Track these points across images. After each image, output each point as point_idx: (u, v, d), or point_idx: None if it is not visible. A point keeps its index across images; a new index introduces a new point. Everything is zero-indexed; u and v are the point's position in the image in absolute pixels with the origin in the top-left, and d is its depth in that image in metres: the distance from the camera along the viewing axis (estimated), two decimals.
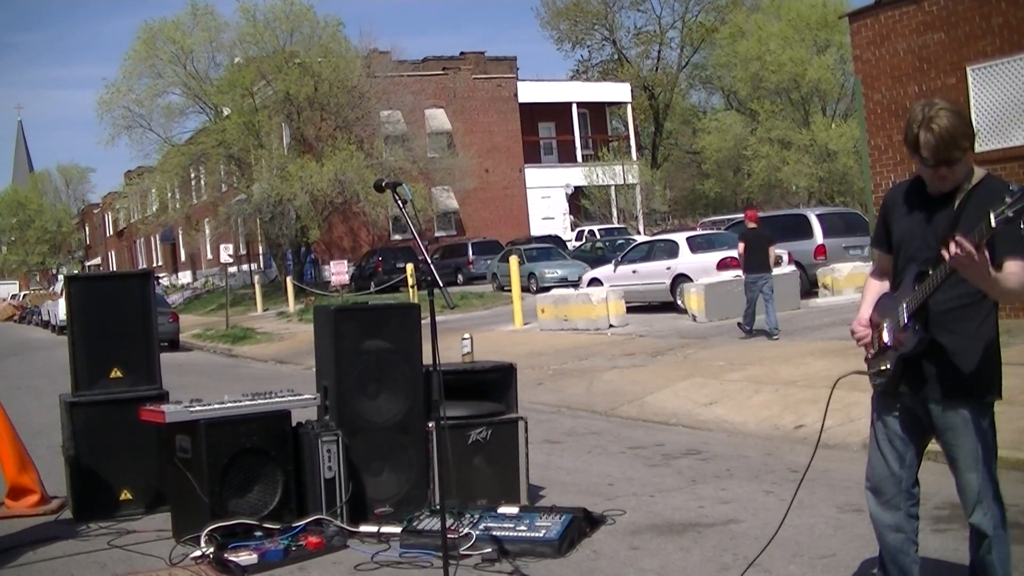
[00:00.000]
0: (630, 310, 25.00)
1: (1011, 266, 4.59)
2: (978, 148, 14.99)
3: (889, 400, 5.09)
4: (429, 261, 6.53)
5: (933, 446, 5.14)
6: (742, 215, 26.35)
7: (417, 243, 6.79)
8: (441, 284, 6.39)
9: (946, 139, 4.65)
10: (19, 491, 9.52)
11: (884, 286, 5.22)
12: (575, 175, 62.82)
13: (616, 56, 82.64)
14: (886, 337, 4.97)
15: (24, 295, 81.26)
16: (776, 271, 21.31)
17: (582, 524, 7.73)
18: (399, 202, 6.72)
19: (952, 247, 4.39)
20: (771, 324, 19.52)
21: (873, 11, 18.28)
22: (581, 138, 66.93)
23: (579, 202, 63.11)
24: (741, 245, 20.50)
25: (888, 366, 5.00)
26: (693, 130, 76.73)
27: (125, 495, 9.13)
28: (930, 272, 4.73)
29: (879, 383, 5.10)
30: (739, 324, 20.23)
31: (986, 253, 4.43)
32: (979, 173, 4.84)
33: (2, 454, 9.62)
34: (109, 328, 9.30)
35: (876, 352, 5.07)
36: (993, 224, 4.27)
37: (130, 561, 7.74)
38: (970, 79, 16.52)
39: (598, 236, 49.68)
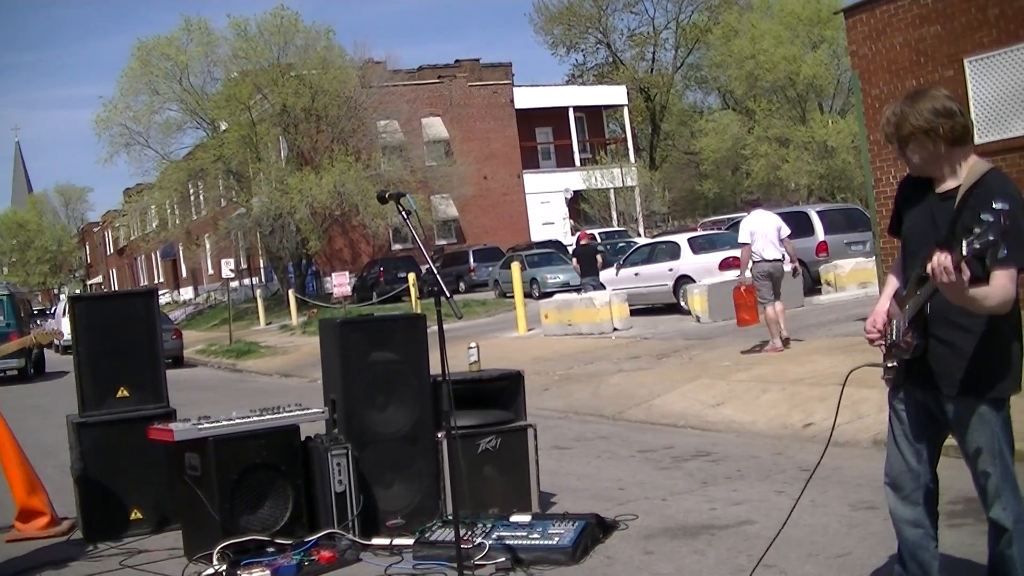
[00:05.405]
0: (634, 313, 24.95)
1: (998, 277, 4.48)
2: (978, 140, 14.96)
3: (903, 396, 5.07)
4: (435, 271, 6.50)
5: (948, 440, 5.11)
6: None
7: (422, 253, 6.76)
8: (448, 294, 6.37)
9: (895, 117, 4.77)
10: (29, 513, 9.48)
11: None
12: (574, 179, 62.85)
13: (611, 59, 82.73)
14: (893, 336, 4.94)
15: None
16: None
17: (595, 530, 7.69)
18: (403, 213, 6.70)
19: (933, 261, 4.36)
20: None
21: (869, 6, 18.20)
22: (579, 142, 66.87)
23: (579, 206, 63.08)
24: (574, 260, 28.62)
25: (895, 363, 4.98)
26: (691, 131, 76.75)
27: (135, 514, 9.10)
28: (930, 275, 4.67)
29: (889, 379, 5.07)
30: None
31: (965, 272, 4.30)
32: (981, 168, 4.76)
33: (11, 477, 9.59)
34: (114, 347, 9.26)
35: (887, 348, 5.03)
36: (964, 253, 4.21)
37: None
38: (968, 71, 16.45)
39: (599, 239, 49.61)
